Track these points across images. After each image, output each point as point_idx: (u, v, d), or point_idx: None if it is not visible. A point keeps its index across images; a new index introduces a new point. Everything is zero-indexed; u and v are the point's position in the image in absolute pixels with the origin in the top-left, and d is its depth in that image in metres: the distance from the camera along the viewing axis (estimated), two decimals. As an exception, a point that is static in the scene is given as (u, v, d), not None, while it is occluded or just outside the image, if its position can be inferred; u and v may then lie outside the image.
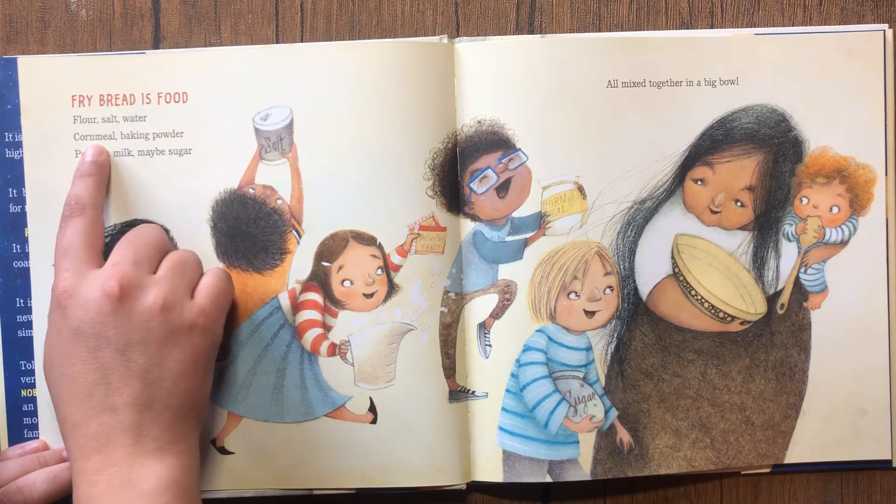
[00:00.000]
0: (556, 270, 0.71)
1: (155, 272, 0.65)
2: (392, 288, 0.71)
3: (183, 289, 0.65)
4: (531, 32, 0.73)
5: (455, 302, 0.71)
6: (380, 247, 0.71)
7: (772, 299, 0.73)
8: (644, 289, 0.72)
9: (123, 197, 0.70)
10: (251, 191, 0.70)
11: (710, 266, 0.72)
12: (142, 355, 0.62)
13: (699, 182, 0.72)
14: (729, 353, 0.73)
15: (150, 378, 0.62)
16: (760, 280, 0.73)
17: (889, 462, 0.73)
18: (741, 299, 0.73)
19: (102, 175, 0.70)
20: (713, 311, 0.72)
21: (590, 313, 0.72)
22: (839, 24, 0.73)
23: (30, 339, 0.71)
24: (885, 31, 0.72)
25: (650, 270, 0.72)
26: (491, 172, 0.71)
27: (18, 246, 0.71)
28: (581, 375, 0.72)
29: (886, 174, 0.72)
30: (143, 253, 0.65)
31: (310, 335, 0.71)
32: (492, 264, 0.72)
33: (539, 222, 0.71)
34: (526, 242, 0.72)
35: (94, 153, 0.70)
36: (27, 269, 0.71)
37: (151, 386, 0.62)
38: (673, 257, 0.72)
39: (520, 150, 0.71)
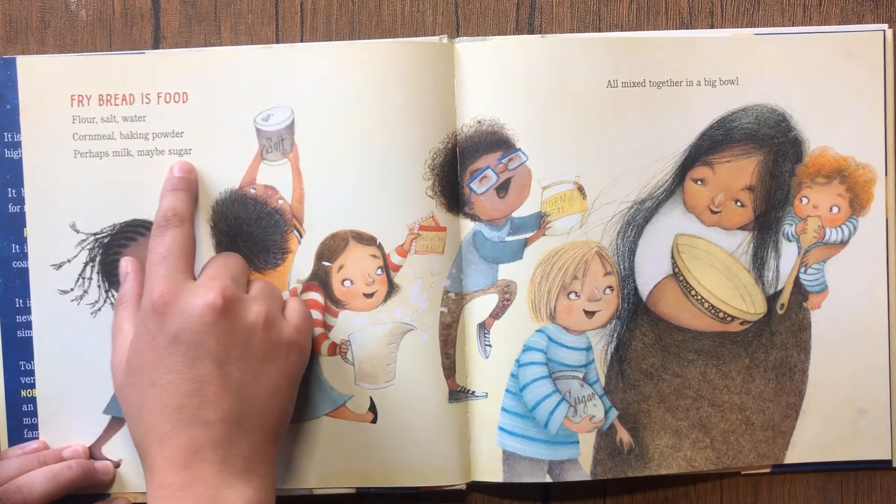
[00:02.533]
0: (556, 270, 0.71)
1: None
2: (392, 288, 0.71)
3: (278, 309, 0.65)
4: (531, 32, 0.73)
5: (455, 302, 0.71)
6: (380, 247, 0.71)
7: (772, 299, 0.73)
8: (644, 289, 0.72)
9: (123, 197, 0.71)
10: (252, 191, 0.70)
11: (710, 266, 0.72)
12: (239, 370, 0.61)
13: (699, 182, 0.72)
14: (729, 353, 0.73)
15: (245, 394, 0.61)
16: (760, 280, 0.73)
17: (889, 462, 0.73)
18: (741, 299, 0.73)
19: (193, 191, 0.69)
20: (713, 311, 0.72)
21: (590, 313, 0.72)
22: (839, 24, 0.73)
23: (29, 340, 0.71)
24: (884, 31, 0.72)
25: (650, 270, 0.72)
26: (491, 172, 0.71)
27: (17, 246, 0.71)
28: (581, 375, 0.72)
29: (886, 174, 0.72)
30: (238, 273, 0.65)
31: (310, 335, 0.71)
32: (492, 264, 0.71)
33: (539, 222, 0.71)
34: (526, 242, 0.72)
35: (185, 170, 0.69)
36: (26, 270, 0.71)
37: (245, 402, 0.61)
38: (673, 257, 0.72)
39: (520, 150, 0.71)
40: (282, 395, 0.64)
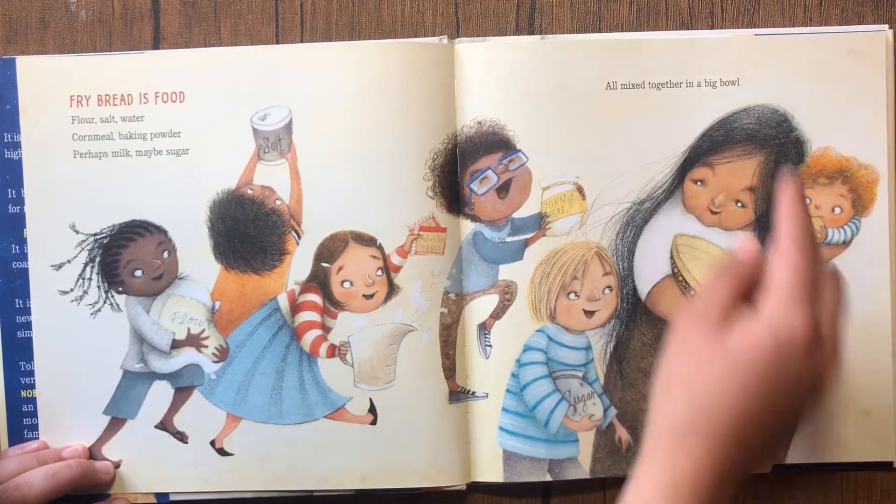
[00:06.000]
0: (556, 270, 0.71)
1: None
2: (392, 289, 0.71)
3: None
4: (531, 33, 0.73)
5: (455, 303, 0.71)
6: (380, 247, 0.71)
7: (773, 300, 0.73)
8: (643, 289, 0.72)
9: (121, 197, 0.71)
10: (249, 191, 0.70)
11: (709, 266, 0.72)
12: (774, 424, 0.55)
13: (699, 183, 0.72)
14: (729, 354, 0.72)
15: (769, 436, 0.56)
16: (762, 280, 0.72)
17: (890, 463, 0.73)
18: (742, 300, 0.72)
19: None
20: (714, 311, 0.72)
21: (589, 313, 0.72)
22: (839, 25, 0.73)
23: (29, 340, 0.71)
24: (886, 31, 0.72)
25: (649, 270, 0.72)
26: (491, 173, 0.71)
27: (17, 247, 0.71)
28: (580, 375, 0.72)
29: (888, 174, 0.72)
30: None
31: (309, 336, 0.71)
32: (492, 265, 0.71)
33: (539, 223, 0.71)
34: (526, 243, 0.72)
35: None
36: (26, 270, 0.71)
37: (764, 444, 0.56)
38: (672, 257, 0.72)
39: (520, 151, 0.71)
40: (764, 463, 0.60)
